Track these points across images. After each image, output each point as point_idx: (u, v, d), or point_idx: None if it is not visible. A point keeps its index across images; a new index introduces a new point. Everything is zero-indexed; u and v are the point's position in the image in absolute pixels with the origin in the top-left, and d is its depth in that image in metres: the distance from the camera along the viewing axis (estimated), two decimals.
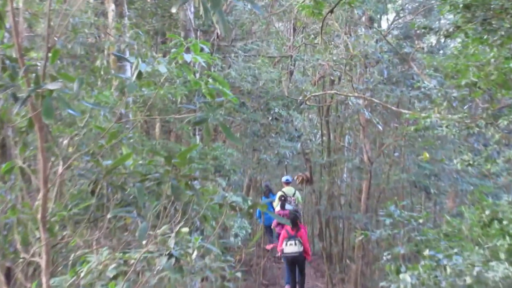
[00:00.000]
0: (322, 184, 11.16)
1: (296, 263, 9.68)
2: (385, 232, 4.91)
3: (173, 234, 2.99)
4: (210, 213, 3.33)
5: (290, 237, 9.48)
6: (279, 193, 11.04)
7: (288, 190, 11.10)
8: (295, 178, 11.04)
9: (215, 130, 8.80)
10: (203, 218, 3.35)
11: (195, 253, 2.98)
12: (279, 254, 9.88)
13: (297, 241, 9.44)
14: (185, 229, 3.05)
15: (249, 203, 3.05)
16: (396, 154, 11.13)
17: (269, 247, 11.37)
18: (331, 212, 10.84)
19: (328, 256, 11.22)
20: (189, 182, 3.03)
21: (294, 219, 9.62)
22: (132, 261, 2.87)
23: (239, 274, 3.26)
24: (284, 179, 11.44)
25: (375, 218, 9.52)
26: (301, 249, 9.46)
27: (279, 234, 10.34)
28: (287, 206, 10.72)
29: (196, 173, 3.07)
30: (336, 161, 10.96)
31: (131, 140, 4.43)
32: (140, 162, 3.34)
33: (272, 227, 11.01)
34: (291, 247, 9.47)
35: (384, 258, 4.66)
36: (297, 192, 11.28)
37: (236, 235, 7.35)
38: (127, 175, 3.14)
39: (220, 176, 7.23)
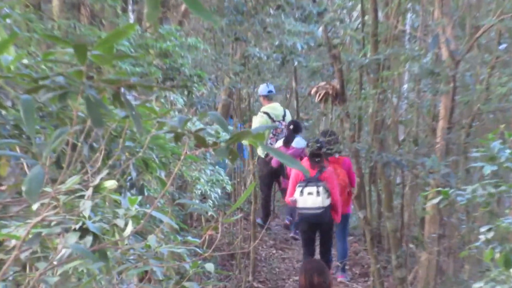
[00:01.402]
0: (364, 103, 6.47)
1: (317, 228, 6.42)
2: (483, 191, 2.96)
3: (88, 192, 1.89)
4: (156, 153, 2.24)
5: (308, 182, 6.28)
6: (258, 116, 7.78)
7: (273, 108, 7.82)
8: (312, 91, 6.51)
9: (165, 1, 5.83)
10: (144, 164, 2.23)
11: (129, 227, 1.90)
12: (288, 220, 6.93)
13: (320, 189, 6.22)
14: (111, 183, 1.92)
15: (229, 132, 1.70)
16: (502, 46, 6.63)
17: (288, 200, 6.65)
18: (380, 155, 5.90)
19: (375, 237, 6.79)
20: (119, 94, 1.87)
21: (315, 152, 6.29)
22: (14, 242, 1.87)
23: (210, 267, 2.10)
24: (263, 89, 7.95)
25: (462, 165, 5.85)
26: (327, 203, 6.21)
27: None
28: (298, 142, 7.46)
29: (132, 79, 1.74)
30: (390, 61, 6.33)
31: (9, 20, 3.09)
32: (26, 60, 2.19)
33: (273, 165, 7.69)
34: (309, 199, 6.25)
35: (481, 238, 2.85)
36: (288, 113, 8.12)
37: (204, 196, 4.84)
38: (3, 80, 1.94)
39: (173, 87, 4.73)
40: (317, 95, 6.37)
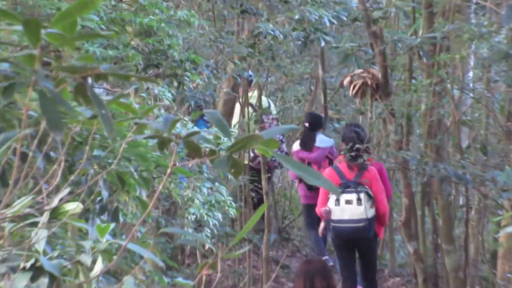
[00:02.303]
0: (415, 98, 6.55)
1: (356, 245, 6.50)
2: None
3: (43, 218, 1.97)
4: (134, 166, 2.33)
5: (346, 186, 6.32)
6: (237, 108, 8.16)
7: (254, 98, 8.07)
8: (345, 82, 6.82)
9: None
10: (119, 180, 2.32)
11: (99, 265, 1.96)
12: (321, 228, 6.85)
13: (362, 195, 6.26)
14: (74, 206, 2.05)
15: (233, 137, 1.98)
16: None
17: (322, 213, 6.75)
18: (437, 167, 5.98)
19: (429, 278, 6.66)
20: (84, 87, 1.91)
21: (355, 138, 6.32)
22: None
23: None
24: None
25: None
26: (371, 214, 6.26)
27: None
28: (322, 141, 7.77)
29: (102, 66, 1.87)
30: (450, 40, 6.39)
31: None
32: None
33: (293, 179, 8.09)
34: (348, 209, 6.32)
35: None
36: (271, 104, 8.59)
37: (199, 223, 4.94)
38: None
39: (158, 77, 4.86)
40: (352, 86, 6.52)
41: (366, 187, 6.31)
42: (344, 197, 6.28)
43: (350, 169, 6.41)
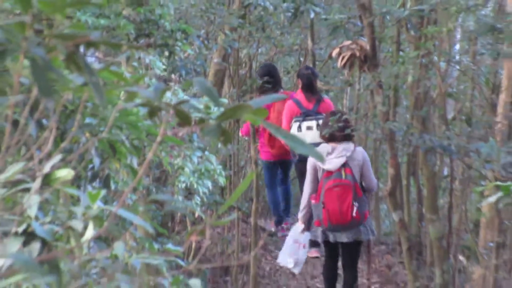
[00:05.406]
0: (402, 70, 6.28)
1: None
2: None
3: (35, 184, 1.92)
4: (126, 134, 2.27)
5: (306, 115, 7.34)
6: None
7: None
8: (333, 53, 6.66)
9: None
10: (110, 148, 2.28)
11: (90, 230, 1.96)
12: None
13: (320, 122, 6.72)
14: (66, 173, 1.98)
15: (223, 106, 1.74)
16: None
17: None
18: (422, 138, 5.74)
19: (414, 247, 6.78)
20: (75, 54, 1.86)
21: (310, 77, 7.46)
22: None
23: (196, 284, 2.16)
24: None
25: None
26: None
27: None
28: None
29: (93, 34, 1.79)
30: (437, 13, 6.19)
31: None
32: None
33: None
34: (309, 135, 7.21)
35: None
36: None
37: (189, 191, 4.88)
38: None
39: (150, 46, 4.82)
40: (340, 58, 6.44)
41: (323, 114, 6.84)
42: (305, 124, 7.26)
43: (308, 101, 7.37)
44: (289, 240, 6.48)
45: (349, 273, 6.34)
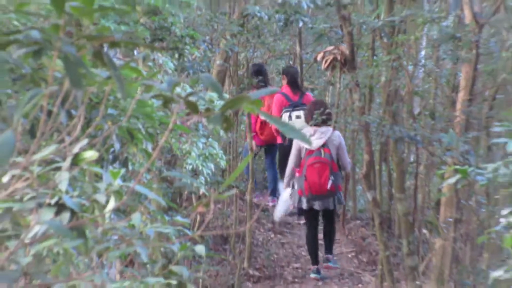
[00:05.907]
0: (376, 72, 6.31)
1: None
2: (506, 170, 2.95)
3: (65, 163, 1.85)
4: (142, 123, 2.23)
5: (294, 106, 7.50)
6: None
7: None
8: (318, 57, 6.62)
9: None
10: (129, 135, 2.22)
11: (111, 203, 1.91)
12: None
13: (302, 111, 7.09)
14: (91, 154, 1.92)
15: (225, 98, 1.70)
16: None
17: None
18: (393, 129, 5.69)
19: (384, 221, 6.90)
20: (101, 52, 1.81)
21: (294, 74, 7.71)
22: None
23: (201, 250, 2.12)
24: None
25: (484, 142, 5.85)
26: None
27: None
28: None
29: (116, 35, 1.72)
30: (406, 24, 6.09)
31: None
32: None
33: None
34: (298, 123, 7.16)
35: (502, 223, 2.86)
36: None
37: (195, 172, 4.74)
38: None
39: (162, 49, 4.78)
40: (324, 61, 6.40)
41: (307, 104, 6.92)
42: (295, 113, 7.43)
43: (294, 94, 7.55)
44: (281, 200, 6.85)
45: (328, 226, 6.68)
